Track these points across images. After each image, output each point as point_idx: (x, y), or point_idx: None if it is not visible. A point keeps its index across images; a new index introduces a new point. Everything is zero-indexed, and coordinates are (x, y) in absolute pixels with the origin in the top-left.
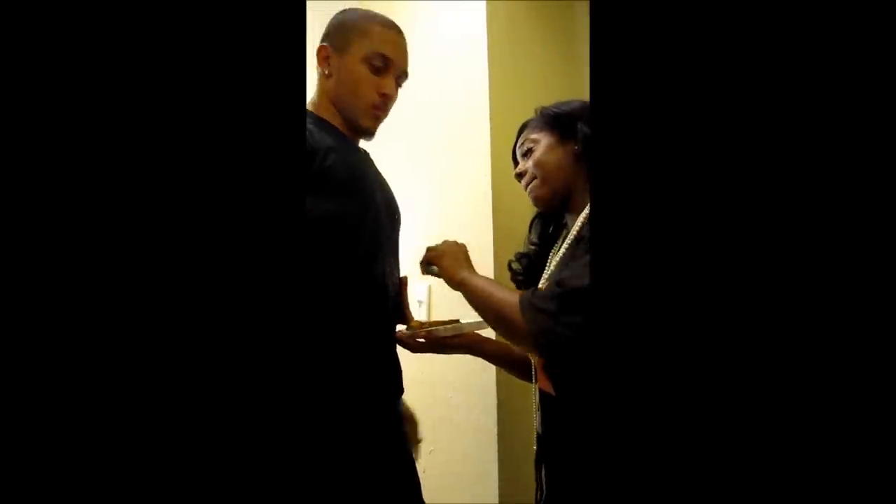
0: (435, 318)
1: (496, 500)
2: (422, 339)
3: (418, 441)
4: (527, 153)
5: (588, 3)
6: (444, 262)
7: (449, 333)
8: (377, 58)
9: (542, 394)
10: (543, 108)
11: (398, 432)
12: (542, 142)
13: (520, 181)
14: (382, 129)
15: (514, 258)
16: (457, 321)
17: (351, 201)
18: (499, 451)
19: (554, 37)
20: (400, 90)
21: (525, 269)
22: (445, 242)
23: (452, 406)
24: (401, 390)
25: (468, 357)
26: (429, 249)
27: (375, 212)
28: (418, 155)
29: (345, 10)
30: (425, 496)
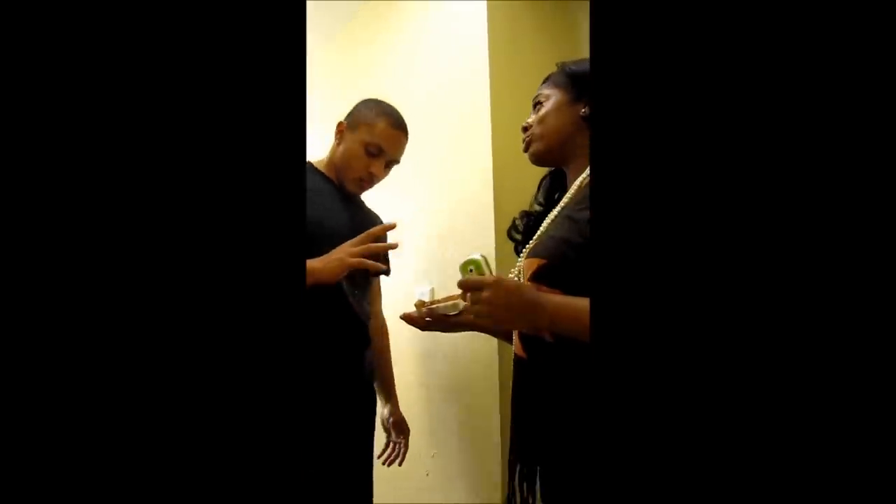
0: None
1: (500, 501)
2: (429, 318)
3: (405, 448)
4: (536, 106)
5: (588, 2)
6: (507, 317)
7: (449, 311)
8: (373, 147)
9: (517, 358)
10: (563, 64)
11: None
12: (553, 98)
13: (524, 134)
14: None
15: (518, 215)
16: (458, 297)
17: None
18: (502, 454)
19: (554, 36)
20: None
21: (525, 227)
22: (481, 295)
23: (454, 410)
24: (373, 411)
25: (470, 360)
26: (473, 305)
27: (328, 239)
28: (420, 154)
29: (367, 100)
30: (429, 499)
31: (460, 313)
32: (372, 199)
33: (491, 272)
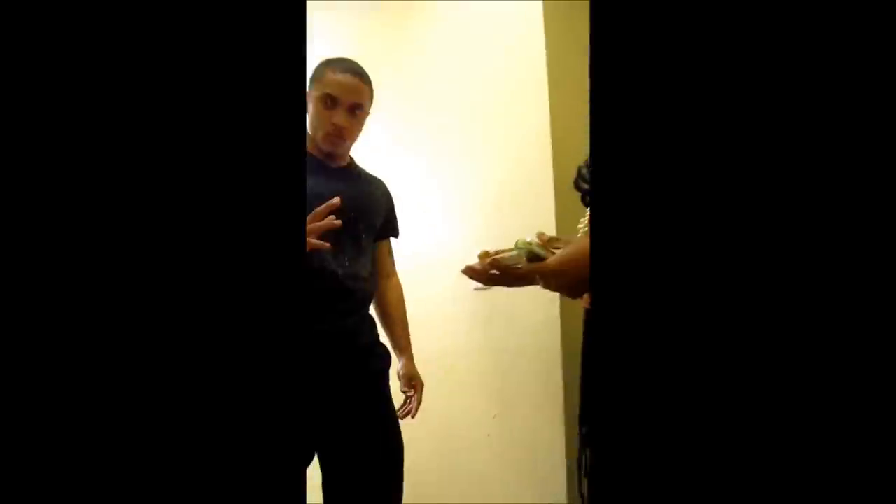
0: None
1: (563, 462)
2: (494, 272)
3: (418, 402)
4: None
5: None
6: (582, 288)
7: (517, 262)
8: (327, 98)
9: (586, 310)
10: None
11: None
12: None
13: None
14: (442, 124)
15: (584, 164)
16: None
17: None
18: (565, 415)
19: None
20: (358, 113)
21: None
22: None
23: (516, 372)
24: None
25: (532, 323)
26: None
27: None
28: (475, 117)
29: (322, 60)
30: (489, 460)
31: (530, 265)
32: (425, 164)
33: (550, 251)
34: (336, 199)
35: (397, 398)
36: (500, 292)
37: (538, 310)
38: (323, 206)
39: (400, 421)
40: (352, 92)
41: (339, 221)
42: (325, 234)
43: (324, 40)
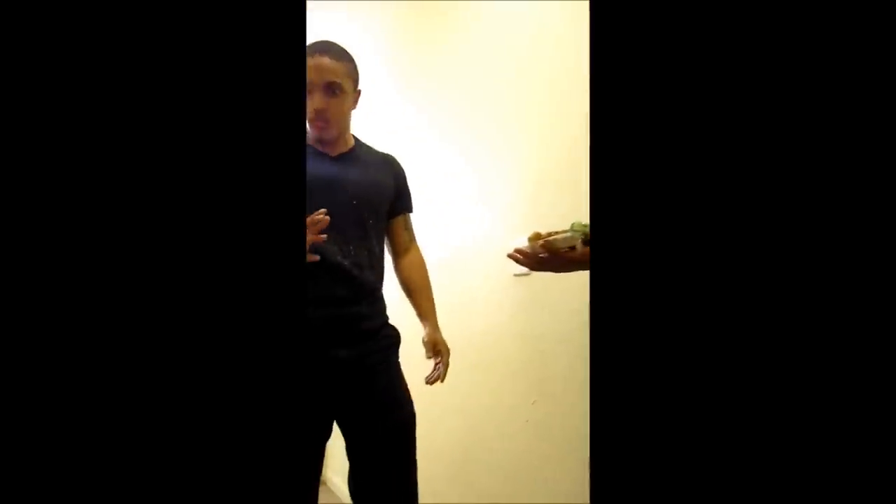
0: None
1: None
2: (543, 255)
3: (445, 367)
4: None
5: None
6: None
7: (570, 244)
8: None
9: None
10: None
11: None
12: None
13: None
14: (482, 111)
15: None
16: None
17: None
18: None
19: None
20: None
21: None
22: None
23: (556, 358)
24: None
25: (570, 308)
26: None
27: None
28: (513, 102)
29: None
30: (527, 445)
31: (582, 251)
32: (464, 152)
33: None
34: (325, 218)
35: (423, 368)
36: (541, 278)
37: (578, 296)
38: (309, 220)
39: (434, 391)
40: (323, 71)
41: (323, 236)
42: (327, 227)
43: (365, 31)
